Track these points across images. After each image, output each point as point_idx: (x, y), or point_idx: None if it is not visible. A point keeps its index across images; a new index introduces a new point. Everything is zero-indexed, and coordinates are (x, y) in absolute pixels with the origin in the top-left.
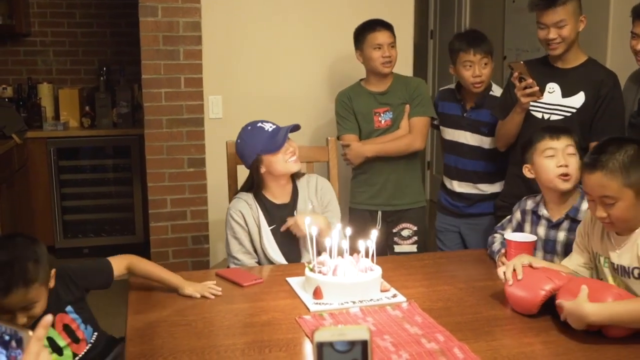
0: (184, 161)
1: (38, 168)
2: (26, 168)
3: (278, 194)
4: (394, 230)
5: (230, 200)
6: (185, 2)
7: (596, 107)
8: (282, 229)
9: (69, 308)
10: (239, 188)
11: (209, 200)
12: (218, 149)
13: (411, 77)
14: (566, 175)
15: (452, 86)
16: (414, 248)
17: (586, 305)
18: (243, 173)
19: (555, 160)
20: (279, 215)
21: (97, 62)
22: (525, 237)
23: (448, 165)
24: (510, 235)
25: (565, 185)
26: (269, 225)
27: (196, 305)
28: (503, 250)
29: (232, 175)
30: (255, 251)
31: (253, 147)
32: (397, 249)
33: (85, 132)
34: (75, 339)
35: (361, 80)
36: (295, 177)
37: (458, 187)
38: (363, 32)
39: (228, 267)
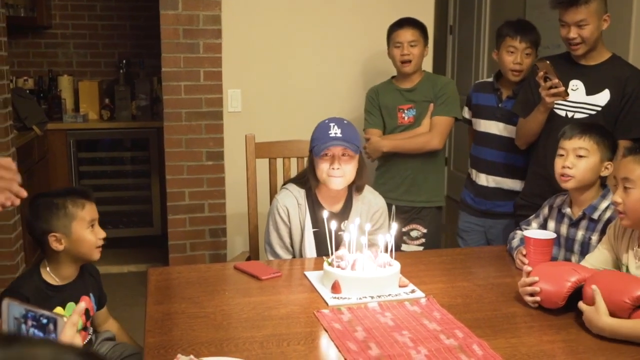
0: (203, 154)
1: (58, 159)
2: (46, 159)
3: (329, 199)
4: (404, 230)
5: (248, 193)
6: None
7: (622, 104)
8: None
9: (92, 296)
10: (257, 180)
11: (227, 194)
12: (237, 143)
13: (441, 76)
14: (564, 175)
15: (490, 79)
16: (419, 249)
17: (604, 318)
18: (262, 166)
19: (562, 159)
20: (323, 219)
21: (117, 55)
22: (545, 234)
23: (477, 157)
24: (529, 232)
25: (565, 185)
26: (313, 227)
27: (214, 297)
28: (522, 247)
29: (251, 169)
30: (292, 246)
31: (312, 139)
32: (403, 247)
33: (104, 124)
34: (84, 327)
35: (393, 77)
36: (354, 188)
37: (485, 180)
38: (390, 30)
39: (266, 254)
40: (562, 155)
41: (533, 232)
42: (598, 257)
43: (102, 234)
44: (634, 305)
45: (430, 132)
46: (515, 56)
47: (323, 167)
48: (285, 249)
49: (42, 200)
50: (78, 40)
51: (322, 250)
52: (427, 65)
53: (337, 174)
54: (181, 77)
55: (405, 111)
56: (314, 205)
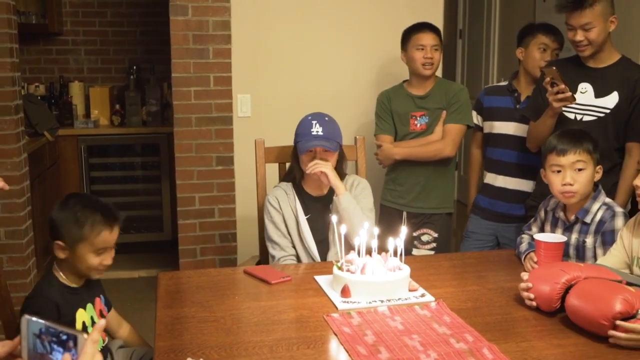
0: (213, 159)
1: (69, 165)
2: (57, 165)
3: (314, 187)
4: (415, 234)
5: (258, 198)
6: (215, 1)
7: (632, 106)
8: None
9: (102, 297)
10: (267, 185)
11: (237, 198)
12: (246, 147)
13: (453, 82)
14: (568, 192)
15: (503, 83)
16: (430, 253)
17: None
18: (271, 171)
19: (561, 176)
20: (314, 207)
21: (128, 61)
22: (555, 237)
23: (493, 159)
24: (540, 235)
25: (569, 201)
26: (305, 215)
27: (224, 301)
28: (532, 252)
29: (260, 174)
30: (289, 235)
31: (296, 134)
32: (414, 252)
33: (115, 130)
34: (104, 346)
35: (404, 81)
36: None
37: (503, 182)
38: (409, 33)
39: (268, 253)
40: (558, 171)
41: (543, 235)
42: (610, 260)
43: (108, 261)
44: (612, 322)
45: (443, 140)
46: (546, 54)
47: (306, 162)
48: (284, 237)
49: (72, 202)
50: (89, 46)
51: (318, 234)
52: (438, 69)
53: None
54: (191, 82)
55: (418, 118)
56: (302, 195)
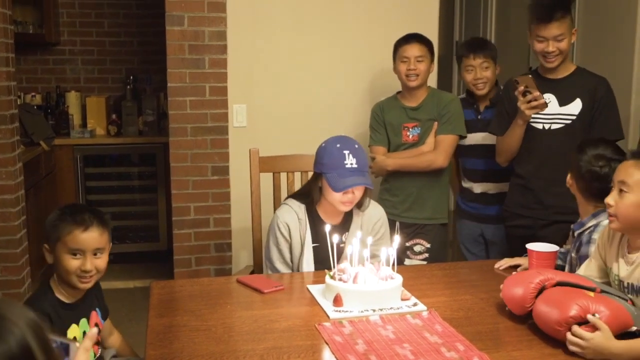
0: (208, 169)
1: (65, 175)
2: (53, 175)
3: (330, 213)
4: (407, 244)
5: (252, 208)
6: (211, 12)
7: (593, 111)
8: None
9: (97, 310)
10: (261, 195)
11: (232, 208)
12: (242, 157)
13: (446, 93)
14: None
15: (463, 95)
16: (423, 264)
17: (613, 343)
18: (266, 181)
19: None
20: (324, 234)
21: (124, 71)
22: (546, 247)
23: (468, 168)
24: (532, 245)
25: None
26: (313, 242)
27: (217, 310)
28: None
29: (255, 183)
30: (291, 260)
31: (323, 164)
32: (407, 262)
33: (111, 139)
34: (97, 342)
35: (398, 93)
36: (356, 205)
37: (481, 188)
38: (397, 45)
39: (263, 270)
40: None
41: (536, 244)
42: (590, 268)
43: (86, 266)
44: (567, 328)
45: (435, 150)
46: (474, 73)
47: (336, 195)
48: (285, 264)
49: (64, 207)
50: (86, 56)
51: (321, 265)
52: (432, 80)
53: (350, 201)
54: (187, 92)
55: (410, 129)
56: (315, 220)
